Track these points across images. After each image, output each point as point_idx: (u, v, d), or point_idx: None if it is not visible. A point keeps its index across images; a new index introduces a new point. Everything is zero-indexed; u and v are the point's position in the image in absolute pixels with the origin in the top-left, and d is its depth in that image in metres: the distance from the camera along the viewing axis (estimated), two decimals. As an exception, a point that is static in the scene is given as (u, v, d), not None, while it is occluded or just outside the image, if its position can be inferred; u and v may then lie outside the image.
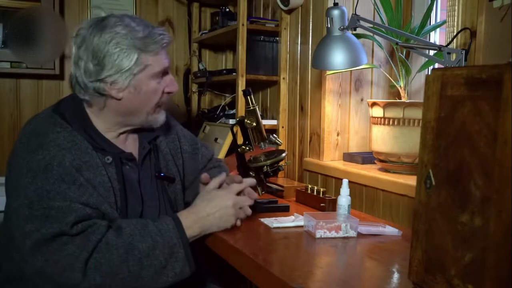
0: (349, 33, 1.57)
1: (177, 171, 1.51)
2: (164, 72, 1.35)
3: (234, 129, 1.67)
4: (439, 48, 1.34)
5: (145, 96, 1.32)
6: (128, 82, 1.28)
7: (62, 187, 1.18)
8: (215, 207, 1.31)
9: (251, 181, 1.44)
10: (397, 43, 1.52)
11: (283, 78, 2.25)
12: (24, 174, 1.19)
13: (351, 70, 1.92)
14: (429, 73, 0.86)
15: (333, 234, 1.29)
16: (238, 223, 1.35)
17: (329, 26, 1.56)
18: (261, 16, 2.50)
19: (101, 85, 1.27)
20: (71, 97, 1.37)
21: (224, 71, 2.52)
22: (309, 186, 1.71)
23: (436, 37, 1.88)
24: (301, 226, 1.37)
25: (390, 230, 1.36)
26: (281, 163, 1.57)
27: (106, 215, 1.23)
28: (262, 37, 2.30)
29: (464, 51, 1.29)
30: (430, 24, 1.76)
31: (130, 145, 1.41)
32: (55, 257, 1.12)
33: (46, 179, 1.18)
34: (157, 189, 1.43)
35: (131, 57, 1.26)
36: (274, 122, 2.29)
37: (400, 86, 1.68)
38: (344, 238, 1.29)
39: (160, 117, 1.39)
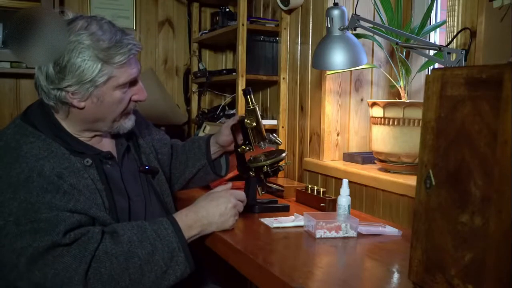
0: (349, 33, 1.56)
1: (157, 162, 1.52)
2: (132, 82, 1.31)
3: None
4: (439, 48, 1.34)
5: (109, 106, 1.29)
6: (90, 93, 1.24)
7: (46, 197, 1.14)
8: (216, 206, 1.30)
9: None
10: (397, 43, 1.52)
11: (283, 78, 2.25)
12: (4, 190, 1.14)
13: (351, 70, 1.92)
14: (429, 73, 0.86)
15: (333, 234, 1.29)
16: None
17: (329, 26, 1.56)
18: (261, 16, 2.50)
19: (62, 94, 1.24)
20: (37, 103, 1.33)
21: (224, 71, 2.52)
22: (309, 186, 1.71)
23: (436, 37, 1.88)
24: (301, 226, 1.37)
25: (390, 230, 1.36)
26: (281, 163, 1.57)
27: (96, 219, 1.20)
28: (262, 37, 2.30)
29: (464, 51, 1.29)
30: (430, 24, 1.76)
31: (107, 144, 1.39)
32: (52, 270, 1.10)
33: (28, 191, 1.13)
34: (142, 183, 1.42)
35: (93, 69, 1.22)
36: (274, 122, 2.29)
37: (400, 86, 1.68)
38: (344, 238, 1.29)
39: (128, 123, 1.37)
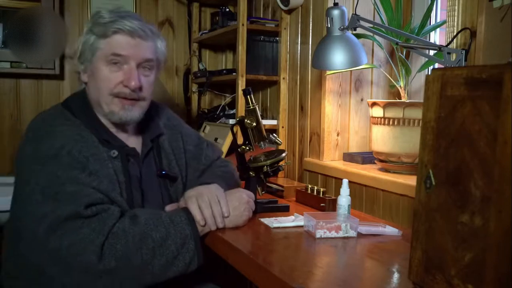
0: (349, 33, 1.57)
1: (179, 171, 1.51)
2: (123, 62, 1.33)
3: (234, 129, 1.66)
4: (439, 48, 1.34)
5: (98, 83, 1.34)
6: (86, 66, 1.36)
7: (73, 172, 1.20)
8: (230, 201, 1.34)
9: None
10: (397, 43, 1.52)
11: (283, 78, 2.25)
12: (33, 162, 1.22)
13: (351, 70, 1.92)
14: (429, 73, 0.86)
15: (333, 234, 1.29)
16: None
17: (329, 26, 1.56)
18: (261, 16, 2.50)
19: (81, 68, 1.38)
20: (79, 92, 1.42)
21: (224, 71, 2.52)
22: (309, 186, 1.71)
23: (436, 37, 1.88)
24: (301, 226, 1.37)
25: (390, 230, 1.36)
26: (281, 163, 1.57)
27: (115, 203, 1.24)
28: (262, 37, 2.30)
29: (464, 51, 1.29)
30: (430, 24, 1.76)
31: (133, 141, 1.43)
32: (69, 240, 1.12)
33: (56, 166, 1.20)
34: (160, 187, 1.44)
35: (88, 42, 1.33)
36: (274, 122, 2.29)
37: (400, 86, 1.68)
38: (344, 238, 1.29)
39: (123, 113, 1.35)
